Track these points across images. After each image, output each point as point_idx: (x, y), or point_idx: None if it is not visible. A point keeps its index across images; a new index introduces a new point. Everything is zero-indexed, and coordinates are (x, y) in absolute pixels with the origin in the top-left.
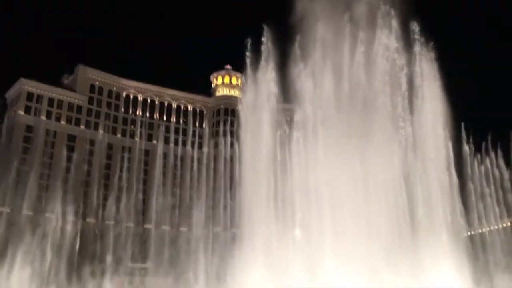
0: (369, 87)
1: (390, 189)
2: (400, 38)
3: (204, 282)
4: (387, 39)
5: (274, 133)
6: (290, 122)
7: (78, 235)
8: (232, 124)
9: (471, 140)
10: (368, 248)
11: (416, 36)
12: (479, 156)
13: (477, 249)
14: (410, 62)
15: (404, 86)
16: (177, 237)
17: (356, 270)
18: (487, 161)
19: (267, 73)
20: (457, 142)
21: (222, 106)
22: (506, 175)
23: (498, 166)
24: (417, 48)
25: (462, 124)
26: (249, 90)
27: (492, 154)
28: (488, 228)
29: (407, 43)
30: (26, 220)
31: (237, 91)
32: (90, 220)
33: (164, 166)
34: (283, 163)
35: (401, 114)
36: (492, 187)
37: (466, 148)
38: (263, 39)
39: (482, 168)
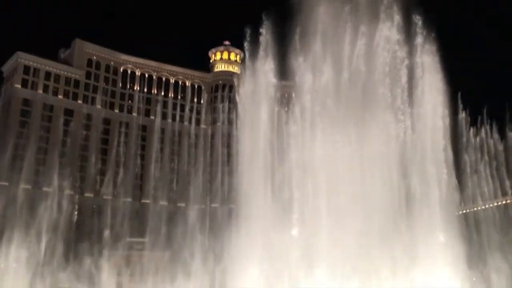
0: (368, 68)
1: (385, 165)
2: None
3: (200, 257)
4: None
5: (272, 110)
6: (288, 98)
7: (76, 209)
8: (230, 100)
9: (467, 112)
10: (362, 225)
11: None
12: (474, 128)
13: (471, 227)
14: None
15: (402, 61)
16: (174, 212)
17: (351, 246)
18: (482, 133)
19: (266, 50)
20: (454, 114)
21: (220, 82)
22: (500, 147)
23: (493, 138)
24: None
25: (459, 94)
26: (248, 66)
27: (488, 127)
28: (482, 206)
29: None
30: (23, 194)
31: (235, 67)
32: (88, 194)
33: (162, 141)
34: (281, 140)
35: (398, 92)
36: (487, 160)
37: (462, 118)
38: (263, 16)
39: (478, 140)
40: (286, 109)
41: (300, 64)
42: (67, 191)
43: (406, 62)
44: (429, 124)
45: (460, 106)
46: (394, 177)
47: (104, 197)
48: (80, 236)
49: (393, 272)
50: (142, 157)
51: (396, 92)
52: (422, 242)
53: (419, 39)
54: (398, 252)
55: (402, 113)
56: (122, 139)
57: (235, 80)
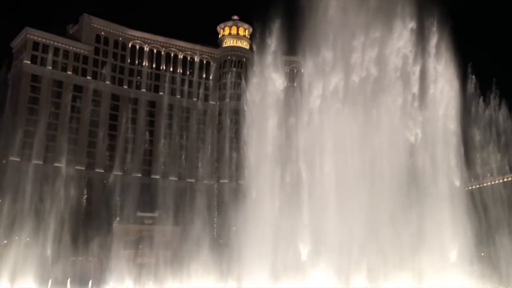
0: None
1: (394, 143)
2: None
3: (209, 232)
4: None
5: (280, 86)
6: (296, 74)
7: (86, 184)
8: (239, 76)
9: (477, 85)
10: (371, 203)
11: None
12: (483, 103)
13: (477, 202)
14: None
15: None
16: (184, 187)
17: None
18: (491, 108)
19: (275, 24)
20: (463, 88)
21: (229, 58)
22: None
23: (501, 114)
24: None
25: (470, 64)
26: (257, 42)
27: (496, 101)
28: (490, 182)
29: None
30: (35, 169)
31: (244, 43)
32: (98, 170)
33: (170, 117)
34: (288, 117)
35: (409, 67)
36: (495, 135)
37: (471, 92)
38: None
39: (486, 115)
40: (294, 84)
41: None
42: (78, 167)
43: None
44: (438, 99)
45: (470, 79)
46: (402, 155)
47: (114, 172)
48: (91, 211)
49: (401, 249)
50: (151, 133)
51: (406, 70)
52: (429, 219)
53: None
54: (405, 230)
55: (411, 90)
56: (131, 115)
57: (244, 55)
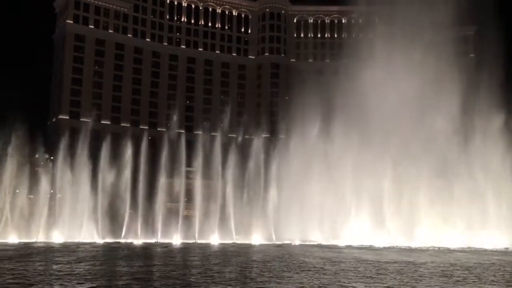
0: None
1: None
2: None
3: (253, 186)
4: None
5: (321, 39)
6: (338, 24)
7: (132, 141)
8: (278, 29)
9: None
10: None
11: None
12: None
13: None
14: None
15: None
16: (226, 142)
17: None
18: None
19: None
20: None
21: (267, 10)
22: None
23: None
24: None
25: None
26: None
27: None
28: None
29: None
30: (83, 127)
31: None
32: (143, 126)
33: (210, 73)
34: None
35: None
36: None
37: None
38: None
39: None
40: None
41: None
42: (123, 123)
43: None
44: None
45: None
46: (454, 110)
47: (158, 128)
48: (137, 167)
49: (450, 206)
50: (192, 89)
51: None
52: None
53: None
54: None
55: None
56: (172, 71)
57: (282, 7)
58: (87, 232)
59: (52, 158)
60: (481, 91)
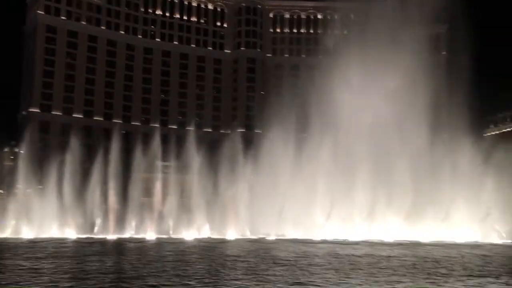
0: None
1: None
2: None
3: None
4: None
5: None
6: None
7: (104, 135)
8: (255, 24)
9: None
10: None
11: None
12: None
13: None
14: None
15: None
16: (201, 137)
17: None
18: None
19: None
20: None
21: (243, 5)
22: None
23: None
24: None
25: None
26: None
27: None
28: None
29: None
30: (55, 120)
31: None
32: (116, 120)
33: (186, 67)
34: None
35: None
36: None
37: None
38: None
39: None
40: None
41: None
42: (96, 117)
43: None
44: None
45: None
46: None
47: (132, 122)
48: (110, 160)
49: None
50: (167, 83)
51: None
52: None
53: None
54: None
55: None
56: (146, 65)
57: (258, 1)
58: (58, 228)
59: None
60: (451, 87)
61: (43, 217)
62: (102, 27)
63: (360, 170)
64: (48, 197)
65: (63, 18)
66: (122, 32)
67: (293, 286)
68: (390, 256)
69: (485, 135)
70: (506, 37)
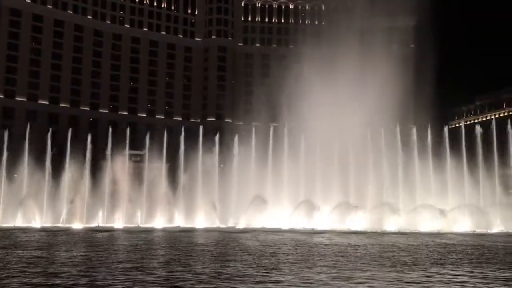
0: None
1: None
2: None
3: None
4: None
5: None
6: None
7: (70, 122)
8: (226, 12)
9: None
10: None
11: None
12: None
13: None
14: None
15: None
16: (170, 125)
17: None
18: None
19: None
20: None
21: None
22: None
23: None
24: None
25: None
26: None
27: None
28: None
29: None
30: (20, 107)
31: None
32: (84, 107)
33: (155, 54)
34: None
35: None
36: None
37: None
38: None
39: None
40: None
41: None
42: (62, 104)
43: None
44: None
45: None
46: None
47: (100, 110)
48: (75, 149)
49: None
50: (136, 70)
51: None
52: None
53: None
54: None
55: None
56: (114, 52)
57: None
58: (24, 216)
59: None
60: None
61: (7, 206)
62: (69, 12)
63: (328, 160)
64: (13, 185)
65: (28, 1)
66: (90, 17)
67: (258, 273)
68: (356, 245)
69: (449, 127)
70: (473, 31)
